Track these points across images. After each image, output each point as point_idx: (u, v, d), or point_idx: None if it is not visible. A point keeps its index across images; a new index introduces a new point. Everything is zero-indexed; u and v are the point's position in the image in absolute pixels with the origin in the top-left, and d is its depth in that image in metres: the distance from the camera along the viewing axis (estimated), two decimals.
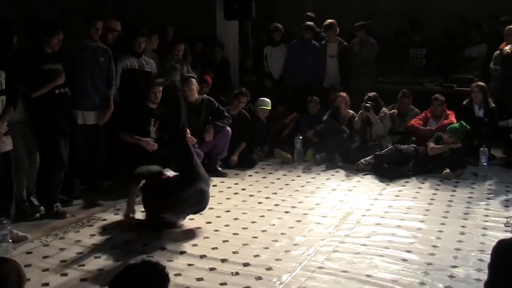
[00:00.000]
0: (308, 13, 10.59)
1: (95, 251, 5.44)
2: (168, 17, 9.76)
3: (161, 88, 7.15)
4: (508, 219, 6.04)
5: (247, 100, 8.74)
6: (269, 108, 8.94)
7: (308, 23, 10.00)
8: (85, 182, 7.32)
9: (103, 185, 7.40)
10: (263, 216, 6.41)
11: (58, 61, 6.43)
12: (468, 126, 7.94)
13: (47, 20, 6.75)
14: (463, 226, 5.95)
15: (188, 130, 6.49)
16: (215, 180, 7.78)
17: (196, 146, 7.61)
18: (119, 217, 6.35)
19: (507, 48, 8.57)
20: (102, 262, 5.18)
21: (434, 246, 5.43)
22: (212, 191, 7.30)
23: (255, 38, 11.07)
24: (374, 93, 8.86)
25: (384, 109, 8.79)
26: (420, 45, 10.62)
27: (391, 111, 9.01)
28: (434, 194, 7.16)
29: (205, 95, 8.42)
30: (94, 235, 5.86)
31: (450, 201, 6.85)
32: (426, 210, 6.53)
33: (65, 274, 4.95)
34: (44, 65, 6.26)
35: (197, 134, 7.91)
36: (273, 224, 6.15)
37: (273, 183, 7.68)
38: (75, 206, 6.79)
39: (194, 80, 8.15)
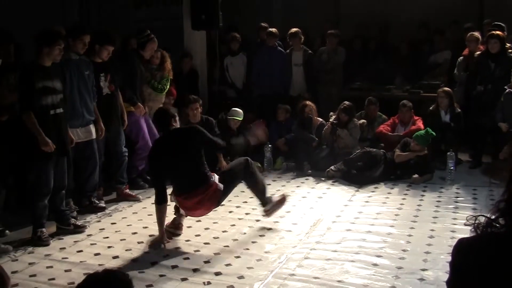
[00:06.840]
0: (262, 24, 10.65)
1: (65, 264, 5.38)
2: (134, 27, 9.67)
3: (112, 49, 7.10)
4: (467, 217, 6.17)
5: (200, 105, 8.46)
6: (241, 118, 8.93)
7: (271, 29, 9.94)
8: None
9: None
10: (234, 225, 6.41)
11: (56, 76, 5.96)
12: (434, 133, 7.97)
13: (46, 29, 6.10)
14: (432, 230, 6.02)
15: None
16: None
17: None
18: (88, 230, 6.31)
19: (478, 52, 8.69)
20: (72, 275, 5.11)
21: (404, 250, 5.48)
22: None
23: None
24: (349, 103, 8.76)
25: (355, 119, 8.80)
26: (377, 52, 10.84)
27: (361, 121, 9.03)
28: (403, 199, 7.23)
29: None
30: (64, 248, 5.79)
31: (419, 205, 6.93)
32: (396, 215, 6.59)
33: None
34: (39, 82, 5.76)
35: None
36: (244, 233, 6.15)
37: (243, 192, 7.43)
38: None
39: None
